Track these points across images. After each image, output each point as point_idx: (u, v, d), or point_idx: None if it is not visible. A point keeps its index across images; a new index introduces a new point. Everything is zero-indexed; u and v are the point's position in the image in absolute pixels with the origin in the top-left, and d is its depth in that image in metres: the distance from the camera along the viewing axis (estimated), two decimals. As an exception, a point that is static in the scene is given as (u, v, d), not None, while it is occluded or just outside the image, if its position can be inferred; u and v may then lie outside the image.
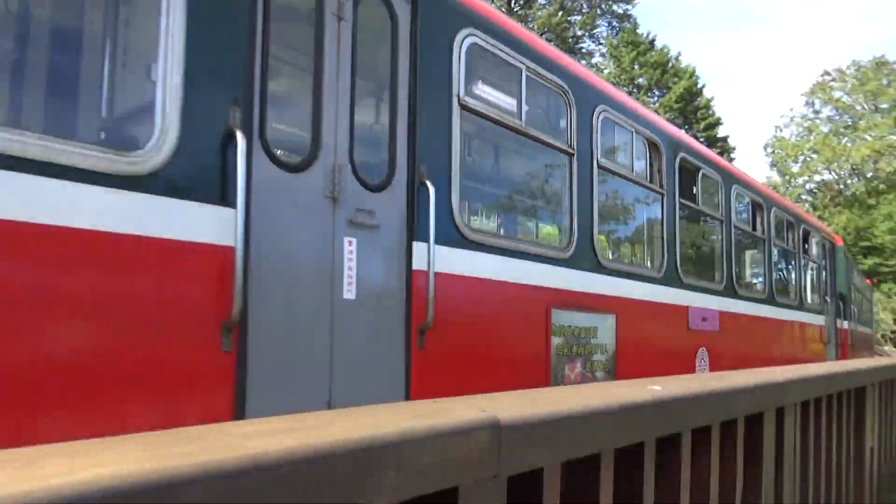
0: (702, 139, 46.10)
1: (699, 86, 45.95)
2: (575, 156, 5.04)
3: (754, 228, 8.94)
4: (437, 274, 3.76)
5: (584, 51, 44.59)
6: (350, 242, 3.39)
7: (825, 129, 53.97)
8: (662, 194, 6.32)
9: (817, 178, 53.69)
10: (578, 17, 45.53)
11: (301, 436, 0.99)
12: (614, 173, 5.70)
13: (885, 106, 49.67)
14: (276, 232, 3.12)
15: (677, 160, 6.52)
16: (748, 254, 9.42)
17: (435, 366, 3.77)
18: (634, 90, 44.18)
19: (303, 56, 3.44)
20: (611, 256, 5.48)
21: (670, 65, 44.55)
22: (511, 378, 4.37)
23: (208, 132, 2.86)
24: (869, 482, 4.42)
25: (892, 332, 40.36)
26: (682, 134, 7.07)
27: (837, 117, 54.63)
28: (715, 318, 7.25)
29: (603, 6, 45.01)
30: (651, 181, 6.24)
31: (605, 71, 43.35)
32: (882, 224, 42.19)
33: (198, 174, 2.81)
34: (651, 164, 6.16)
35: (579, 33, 46.17)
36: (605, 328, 5.29)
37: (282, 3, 3.22)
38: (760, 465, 2.52)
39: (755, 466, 2.51)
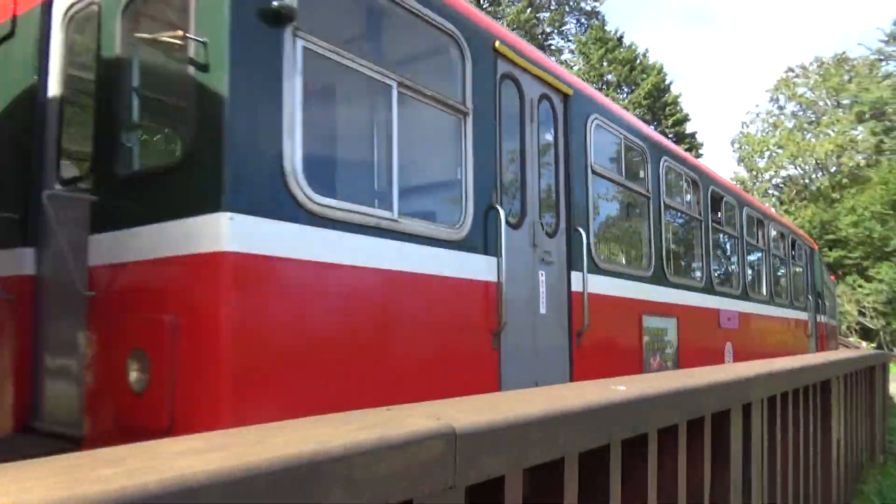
0: (670, 135, 46.70)
1: (667, 82, 46.51)
2: (651, 199, 6.89)
3: (758, 241, 10.64)
4: (592, 295, 5.35)
5: (553, 47, 44.83)
6: (542, 274, 4.91)
7: (790, 125, 55.04)
8: (701, 222, 8.22)
9: (783, 172, 54.74)
10: (547, 14, 45.75)
11: (235, 453, 0.92)
12: (675, 209, 7.69)
13: (846, 102, 50.81)
14: (514, 270, 4.57)
15: (709, 193, 8.42)
16: (752, 262, 11.07)
17: (585, 357, 5.28)
18: (603, 87, 44.52)
19: (515, 150, 5.02)
20: (672, 273, 7.18)
21: (638, 62, 45.00)
22: (623, 366, 5.95)
23: (484, 210, 4.36)
24: (836, 474, 4.47)
25: (857, 323, 41.34)
26: (713, 172, 9.07)
27: (801, 113, 55.75)
28: (735, 318, 8.97)
29: (571, 3, 45.31)
30: (698, 213, 8.15)
31: (575, 68, 43.65)
32: (845, 218, 43.16)
33: (481, 237, 4.30)
34: (693, 198, 8.22)
35: (548, 30, 46.40)
36: (671, 328, 6.91)
37: (505, 123, 4.75)
38: (728, 462, 2.51)
39: (723, 463, 2.49)
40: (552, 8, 45.37)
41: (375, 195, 4.52)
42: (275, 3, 3.03)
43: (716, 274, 8.51)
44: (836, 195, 48.86)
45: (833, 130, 50.52)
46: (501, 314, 4.30)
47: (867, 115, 46.51)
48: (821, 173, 52.82)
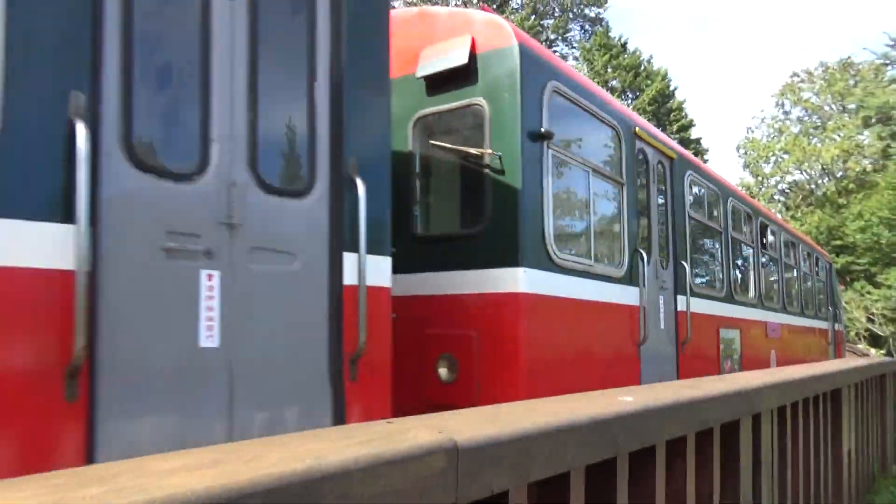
0: (675, 140, 46.53)
1: (671, 88, 46.49)
2: (723, 232, 8.45)
3: (792, 260, 12.42)
4: (691, 313, 6.85)
5: (557, 54, 44.87)
6: (661, 299, 6.59)
7: (795, 130, 54.89)
8: (753, 248, 9.71)
9: (789, 178, 54.52)
10: (551, 21, 45.83)
11: (227, 470, 0.89)
12: (738, 239, 9.18)
13: (852, 106, 50.68)
14: (649, 297, 6.19)
15: (758, 223, 10.13)
16: (788, 279, 12.75)
17: (686, 361, 6.64)
18: (608, 92, 44.40)
19: (645, 204, 6.66)
20: (737, 293, 8.67)
21: (642, 67, 45.02)
22: (709, 368, 7.36)
23: (632, 253, 5.84)
24: (847, 485, 4.40)
25: (866, 330, 41.04)
26: (758, 204, 10.74)
27: (807, 118, 55.62)
28: (778, 328, 10.51)
29: (575, 10, 45.38)
30: (751, 241, 9.74)
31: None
32: (853, 223, 42.91)
33: (630, 273, 5.73)
34: (747, 228, 9.65)
35: (552, 37, 46.46)
36: (737, 338, 8.45)
37: (640, 185, 6.43)
38: (738, 474, 2.46)
39: (732, 475, 2.45)
40: (556, 15, 45.46)
41: (583, 250, 5.69)
42: (542, 129, 4.62)
43: (763, 291, 10.10)
44: (842, 200, 48.64)
45: (839, 135, 50.35)
46: (643, 330, 5.82)
47: (873, 120, 46.40)
48: (827, 178, 52.61)
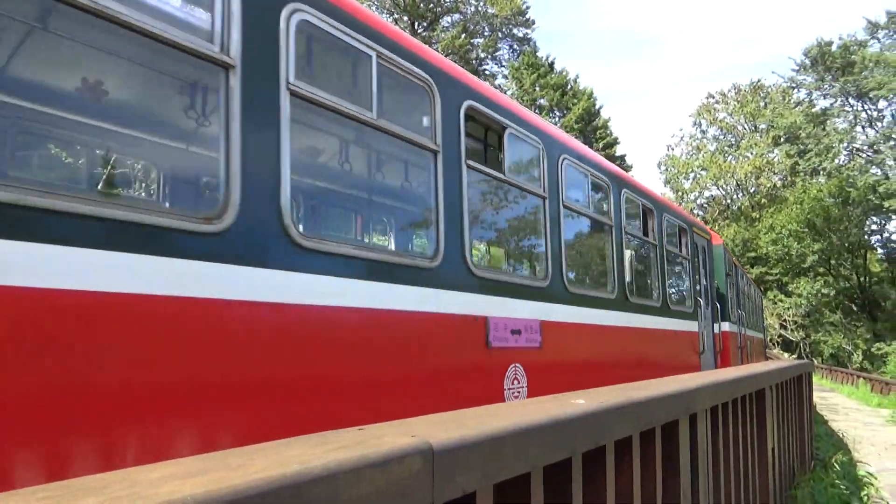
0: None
1: (597, 107, 48.00)
2: (730, 281, 12.72)
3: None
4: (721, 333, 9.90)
5: (487, 72, 45.69)
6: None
7: (712, 148, 57.68)
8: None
9: (707, 193, 57.17)
10: (481, 40, 46.62)
11: (218, 477, 0.90)
12: (741, 290, 14.14)
13: (763, 126, 53.69)
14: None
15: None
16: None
17: (721, 367, 9.70)
18: (536, 111, 45.48)
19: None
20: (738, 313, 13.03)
21: (569, 87, 46.31)
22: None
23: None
24: (772, 480, 4.65)
25: (780, 336, 43.26)
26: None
27: (722, 136, 58.55)
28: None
29: (504, 29, 46.35)
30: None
31: (508, 92, 44.51)
32: (765, 236, 45.28)
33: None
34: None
35: (482, 55, 47.25)
36: (738, 343, 12.91)
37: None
38: (678, 471, 2.58)
39: (673, 472, 2.57)
40: (486, 34, 46.30)
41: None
42: None
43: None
44: (755, 214, 51.31)
45: (751, 153, 53.19)
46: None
47: (782, 139, 49.26)
48: (741, 194, 55.41)
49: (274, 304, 2.85)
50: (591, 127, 45.97)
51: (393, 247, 7.04)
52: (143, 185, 5.46)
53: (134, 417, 2.31)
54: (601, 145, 45.95)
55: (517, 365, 4.56)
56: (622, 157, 50.15)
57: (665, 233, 8.35)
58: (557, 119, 45.98)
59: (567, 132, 44.21)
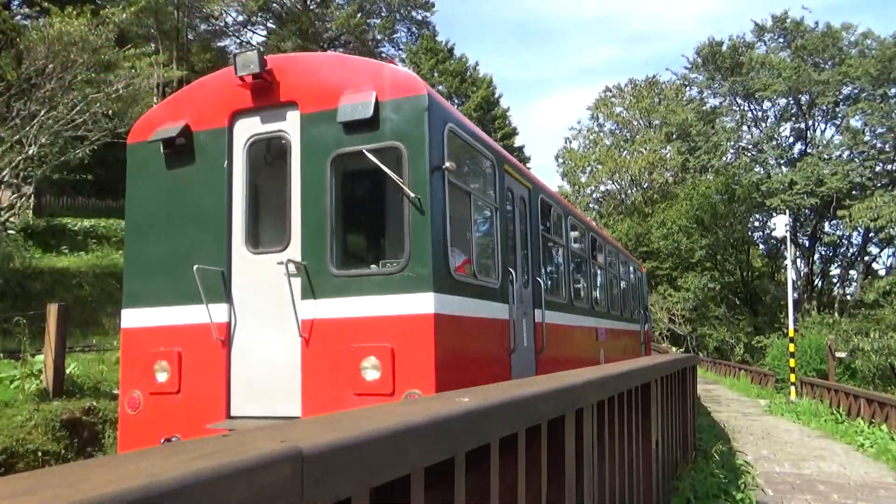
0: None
1: (496, 96, 48.91)
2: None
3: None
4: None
5: (384, 55, 45.42)
6: None
7: (608, 142, 60.19)
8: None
9: (602, 187, 59.68)
10: (378, 21, 46.25)
11: (49, 496, 0.84)
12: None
13: (657, 122, 56.67)
14: None
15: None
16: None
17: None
18: (435, 98, 45.69)
19: None
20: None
21: (468, 74, 46.89)
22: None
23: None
24: (656, 472, 4.93)
25: (668, 329, 45.98)
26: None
27: (618, 131, 61.25)
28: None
29: (402, 11, 46.23)
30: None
31: (406, 77, 44.41)
32: (657, 231, 47.83)
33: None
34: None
35: (378, 37, 46.90)
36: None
37: None
38: (563, 466, 2.68)
39: (558, 468, 2.67)
40: (383, 15, 45.98)
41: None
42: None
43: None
44: (648, 210, 54.17)
45: (645, 149, 55.98)
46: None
47: (674, 136, 52.16)
48: (635, 189, 58.29)
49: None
50: (489, 116, 46.82)
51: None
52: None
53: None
54: (499, 136, 46.90)
55: None
56: (520, 149, 51.43)
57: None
58: (456, 107, 46.34)
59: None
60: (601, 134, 61.39)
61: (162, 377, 5.75)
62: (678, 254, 46.84)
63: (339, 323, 5.26)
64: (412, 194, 5.15)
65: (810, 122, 46.70)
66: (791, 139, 48.13)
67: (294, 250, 5.53)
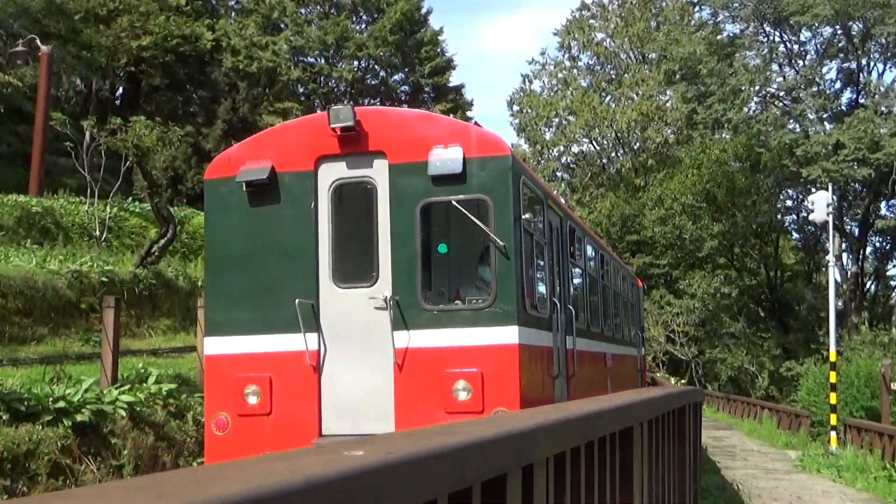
0: (427, 88, 49.09)
1: (423, 12, 48.72)
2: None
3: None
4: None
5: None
6: None
7: (584, 83, 60.59)
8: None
9: (576, 148, 60.22)
10: None
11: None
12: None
13: (653, 56, 57.28)
14: None
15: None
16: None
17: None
18: (332, 10, 45.37)
19: None
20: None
21: (383, -22, 46.53)
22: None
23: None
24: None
25: (665, 353, 46.55)
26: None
27: (599, 67, 61.80)
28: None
29: None
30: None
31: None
32: (650, 212, 47.79)
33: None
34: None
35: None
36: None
37: None
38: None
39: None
40: None
41: None
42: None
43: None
44: (639, 181, 54.84)
45: (637, 94, 56.69)
46: None
47: (678, 76, 52.51)
48: (622, 150, 59.15)
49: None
50: (413, 41, 46.67)
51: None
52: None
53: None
54: (427, 69, 46.89)
55: None
56: (458, 89, 51.59)
57: None
58: (365, 26, 46.20)
59: (378, 48, 44.75)
60: (574, 71, 61.85)
61: (252, 400, 8.83)
62: (681, 245, 47.19)
63: (431, 351, 8.60)
64: (500, 242, 8.49)
65: (864, 62, 47.84)
66: (838, 84, 49.29)
67: (383, 286, 8.76)
